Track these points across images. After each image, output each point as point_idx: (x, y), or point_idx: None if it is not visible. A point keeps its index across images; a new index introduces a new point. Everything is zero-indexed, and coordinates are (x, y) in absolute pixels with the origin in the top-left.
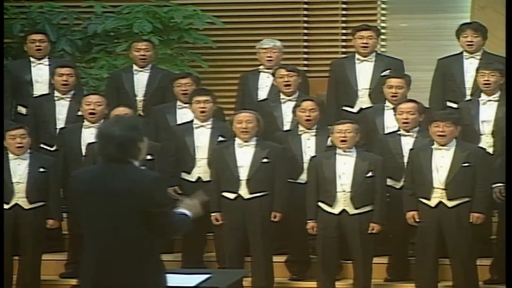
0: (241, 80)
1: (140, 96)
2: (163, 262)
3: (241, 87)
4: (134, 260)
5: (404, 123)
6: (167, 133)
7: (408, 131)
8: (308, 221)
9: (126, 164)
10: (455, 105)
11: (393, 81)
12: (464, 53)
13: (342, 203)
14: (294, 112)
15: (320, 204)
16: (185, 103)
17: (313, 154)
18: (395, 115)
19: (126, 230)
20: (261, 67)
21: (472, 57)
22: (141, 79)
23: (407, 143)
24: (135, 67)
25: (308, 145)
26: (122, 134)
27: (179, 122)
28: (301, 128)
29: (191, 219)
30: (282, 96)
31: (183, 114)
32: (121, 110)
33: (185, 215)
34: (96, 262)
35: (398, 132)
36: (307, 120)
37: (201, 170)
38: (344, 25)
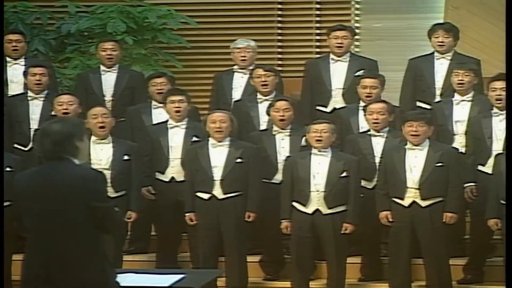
0: (215, 80)
1: (108, 96)
2: (109, 257)
3: (215, 87)
4: (80, 257)
5: (374, 123)
6: (142, 133)
7: (378, 131)
8: (282, 221)
9: (64, 161)
10: (425, 105)
11: (367, 81)
12: (435, 54)
13: (316, 202)
14: (268, 112)
15: (294, 203)
16: (160, 103)
17: (287, 154)
18: (365, 115)
19: (70, 227)
20: (235, 67)
21: (443, 57)
22: (109, 79)
23: (377, 143)
24: (102, 67)
25: (283, 145)
26: (57, 130)
27: (154, 122)
28: (275, 128)
29: (126, 224)
30: (259, 96)
31: (159, 114)
32: (98, 110)
33: (122, 219)
34: (42, 260)
35: (369, 133)
36: (281, 120)
37: (174, 170)
38: (318, 25)
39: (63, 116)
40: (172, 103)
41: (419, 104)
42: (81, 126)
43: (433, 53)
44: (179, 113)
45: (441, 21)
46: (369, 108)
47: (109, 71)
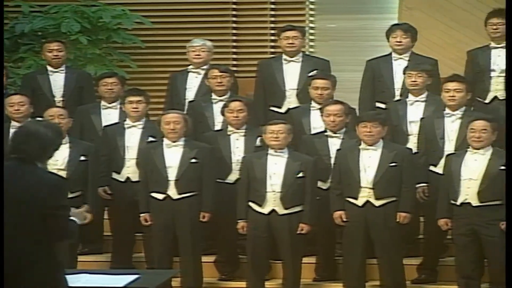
0: (170, 80)
1: (58, 97)
2: (62, 262)
3: (169, 87)
4: (32, 260)
5: (332, 124)
6: (91, 133)
7: (335, 132)
8: (239, 221)
9: (32, 165)
10: (384, 106)
11: (319, 82)
12: (393, 54)
13: (272, 203)
14: (222, 112)
15: (250, 204)
16: (110, 103)
17: (241, 154)
18: (322, 116)
19: (27, 231)
20: (190, 67)
21: (400, 58)
22: (57, 80)
23: (334, 144)
24: (49, 68)
25: (237, 145)
26: (48, 136)
27: (103, 122)
28: (230, 128)
29: (78, 226)
30: (213, 96)
31: (108, 114)
32: (55, 111)
33: (74, 221)
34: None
35: (325, 133)
36: (235, 120)
37: (130, 170)
38: (272, 25)
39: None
40: (130, 103)
41: (378, 104)
42: (62, 134)
43: (390, 53)
44: (136, 114)
45: (395, 21)
46: (325, 110)
47: (57, 72)
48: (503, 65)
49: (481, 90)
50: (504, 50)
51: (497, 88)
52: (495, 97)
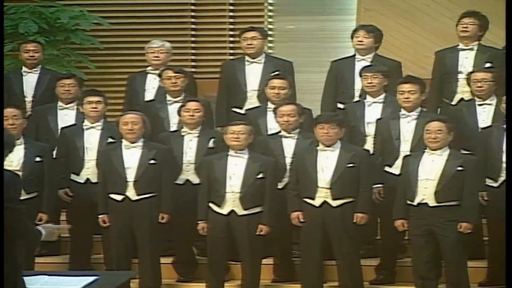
0: (129, 81)
1: (29, 97)
2: (20, 263)
3: (128, 88)
4: None
5: (286, 125)
6: (47, 134)
7: (289, 133)
8: (199, 222)
9: None
10: (343, 107)
11: (276, 82)
12: (356, 56)
13: (231, 203)
14: (179, 112)
15: (210, 204)
16: (67, 104)
17: (193, 155)
18: (275, 117)
19: None
20: (148, 68)
21: (363, 59)
22: (30, 81)
23: (288, 144)
24: (24, 68)
25: (190, 146)
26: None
27: (60, 123)
28: (184, 128)
29: (40, 236)
30: (168, 97)
31: (64, 115)
32: (9, 111)
33: (39, 230)
34: None
35: (280, 134)
36: (191, 119)
37: (89, 172)
38: (231, 26)
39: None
40: (89, 103)
41: (339, 106)
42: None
43: (354, 55)
44: (95, 114)
45: (354, 23)
46: (279, 111)
47: (30, 72)
48: (470, 67)
49: (448, 91)
50: (471, 52)
51: (463, 90)
52: (462, 99)
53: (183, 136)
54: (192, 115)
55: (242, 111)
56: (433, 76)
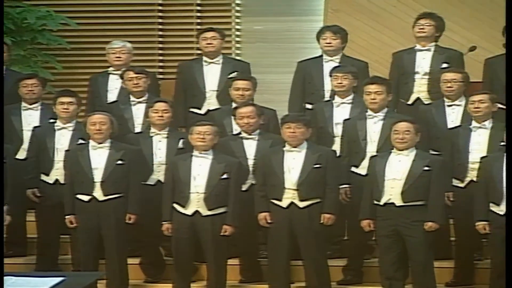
0: (91, 82)
1: None
2: None
3: (90, 89)
4: None
5: (246, 126)
6: (11, 134)
7: (249, 134)
8: (163, 223)
9: None
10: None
11: (240, 83)
12: (324, 56)
13: (195, 204)
14: (146, 113)
15: (174, 205)
16: (31, 104)
17: (163, 156)
18: (235, 119)
19: None
20: (110, 69)
21: (331, 60)
22: None
23: (249, 145)
24: None
25: (159, 147)
26: None
27: (24, 123)
28: (152, 129)
29: None
30: (132, 98)
31: (29, 116)
32: None
33: None
34: None
35: (240, 135)
36: (159, 120)
37: (58, 172)
38: (198, 27)
39: None
40: (61, 104)
41: (308, 106)
42: None
43: (321, 55)
44: (67, 115)
45: (321, 23)
46: (238, 113)
47: None
48: (427, 68)
49: (405, 91)
50: (428, 53)
51: (420, 89)
52: (418, 99)
53: (151, 137)
54: (161, 116)
55: (201, 112)
56: (390, 77)
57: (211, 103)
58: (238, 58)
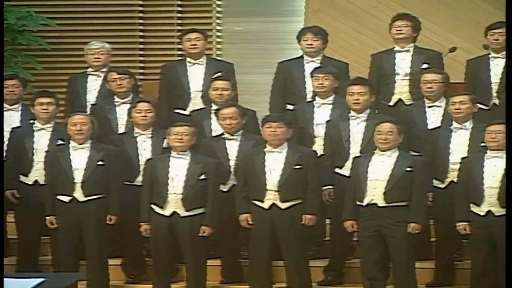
0: (70, 83)
1: None
2: None
3: (69, 90)
4: None
5: (228, 127)
6: None
7: (232, 135)
8: (141, 224)
9: None
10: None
11: (218, 83)
12: (305, 57)
13: (173, 205)
14: (129, 113)
15: (152, 206)
16: (11, 105)
17: (149, 156)
18: (217, 120)
19: None
20: (89, 69)
21: (312, 61)
22: None
23: (232, 146)
24: None
25: (144, 147)
26: None
27: (4, 124)
28: (136, 130)
29: None
30: (116, 99)
31: (9, 117)
32: None
33: None
34: None
35: (223, 136)
36: (143, 120)
37: (38, 173)
38: (179, 28)
39: None
40: (40, 105)
41: (289, 107)
42: None
43: (302, 56)
44: (46, 116)
45: (302, 24)
46: (221, 113)
47: None
48: (407, 69)
49: (385, 93)
50: (408, 54)
51: (401, 91)
52: (400, 100)
53: (135, 137)
54: (145, 116)
55: (186, 112)
56: (369, 78)
57: (196, 103)
58: (220, 58)
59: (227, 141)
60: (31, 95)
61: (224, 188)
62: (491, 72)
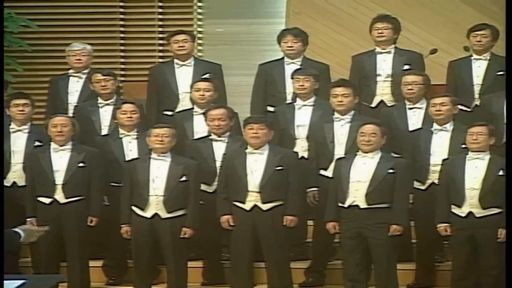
0: (51, 85)
1: None
2: None
3: (51, 91)
4: None
5: (216, 129)
6: None
7: (219, 136)
8: (122, 225)
9: None
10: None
11: (200, 84)
12: (285, 59)
13: (155, 207)
14: (114, 115)
15: (133, 208)
16: None
17: (136, 156)
18: (206, 121)
19: None
20: (70, 71)
21: (292, 62)
22: None
23: (218, 147)
24: None
25: (130, 148)
26: None
27: None
28: (122, 131)
29: (19, 238)
30: (99, 100)
31: None
32: None
33: (16, 232)
34: None
35: (210, 137)
36: (128, 121)
37: (16, 175)
38: (160, 29)
39: None
40: (16, 106)
41: (269, 108)
42: None
43: (283, 58)
44: (22, 117)
45: (283, 26)
46: (209, 114)
47: None
48: (388, 70)
49: (367, 94)
50: (389, 55)
51: (383, 92)
52: (381, 101)
53: (121, 138)
54: (130, 117)
55: None
56: (350, 80)
57: (184, 105)
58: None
59: (214, 142)
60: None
61: (209, 189)
62: (473, 73)
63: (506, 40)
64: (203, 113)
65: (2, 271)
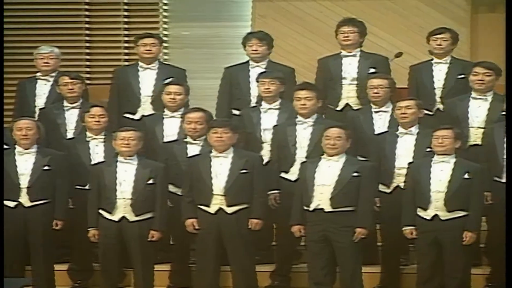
0: (18, 88)
1: None
2: None
3: (18, 95)
4: None
5: (192, 132)
6: None
7: (195, 139)
8: (89, 229)
9: None
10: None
11: (172, 88)
12: (250, 62)
13: (122, 210)
14: (82, 118)
15: (101, 211)
16: None
17: (101, 160)
18: (183, 123)
19: None
20: (38, 74)
21: (258, 66)
22: None
23: (193, 151)
24: None
25: (97, 152)
26: None
27: None
28: (89, 134)
29: None
30: (65, 103)
31: None
32: None
33: None
34: None
35: (185, 140)
36: (97, 125)
37: None
38: (126, 32)
39: None
40: None
41: (234, 112)
42: None
43: (248, 61)
44: None
45: (249, 29)
46: (187, 117)
47: None
48: (354, 73)
49: (333, 97)
50: (354, 59)
51: (348, 95)
52: (347, 104)
53: (88, 141)
54: (98, 121)
55: (135, 117)
56: (316, 83)
57: (145, 108)
58: (172, 64)
59: (188, 145)
60: None
61: (179, 191)
62: (434, 77)
63: (506, 40)
64: (181, 116)
65: (2, 271)
